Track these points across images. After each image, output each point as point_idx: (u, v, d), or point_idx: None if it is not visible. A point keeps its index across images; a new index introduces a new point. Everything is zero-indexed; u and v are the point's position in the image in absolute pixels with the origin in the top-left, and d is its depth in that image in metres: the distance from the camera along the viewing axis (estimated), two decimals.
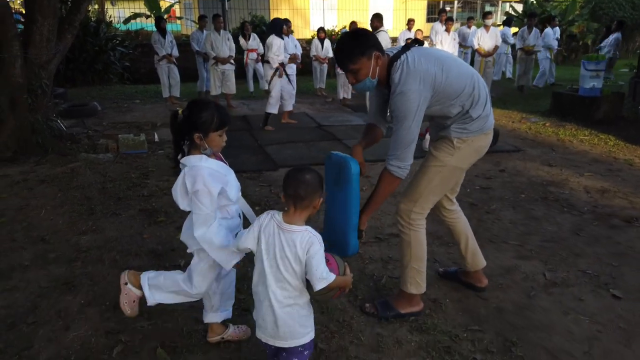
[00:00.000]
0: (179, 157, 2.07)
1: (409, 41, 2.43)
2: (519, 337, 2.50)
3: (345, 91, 9.53)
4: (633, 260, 3.32)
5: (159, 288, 2.26)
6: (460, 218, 2.83)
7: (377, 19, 7.34)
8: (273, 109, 7.34)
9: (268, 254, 1.81)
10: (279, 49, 7.14)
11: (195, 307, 2.71)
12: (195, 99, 2.12)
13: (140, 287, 2.26)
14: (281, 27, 7.34)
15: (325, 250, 1.82)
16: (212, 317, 2.38)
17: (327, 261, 1.82)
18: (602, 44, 11.47)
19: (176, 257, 3.29)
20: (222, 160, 2.17)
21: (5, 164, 5.27)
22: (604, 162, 5.61)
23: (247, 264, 3.11)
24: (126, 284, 2.27)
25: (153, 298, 2.26)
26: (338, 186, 2.31)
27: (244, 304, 2.74)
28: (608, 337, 2.51)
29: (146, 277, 2.26)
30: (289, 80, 7.52)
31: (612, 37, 11.49)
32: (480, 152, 2.53)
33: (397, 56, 2.27)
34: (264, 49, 7.40)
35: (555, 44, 11.53)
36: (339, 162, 2.30)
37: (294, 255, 1.77)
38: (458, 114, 2.39)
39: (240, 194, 2.20)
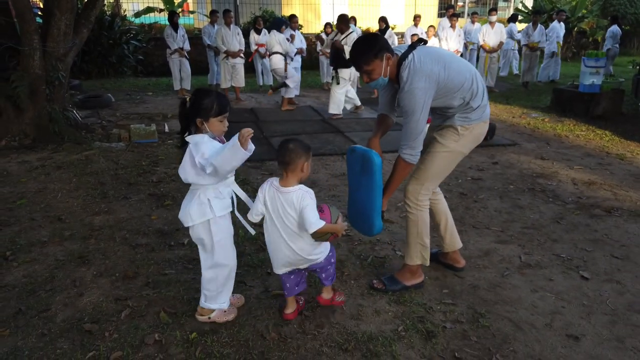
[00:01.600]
0: (185, 136, 2.34)
1: (415, 37, 2.71)
2: (487, 310, 2.74)
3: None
4: (607, 246, 3.54)
5: (212, 297, 2.54)
6: (441, 200, 3.10)
7: (342, 21, 7.42)
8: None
9: (275, 213, 2.36)
10: (284, 41, 7.49)
11: (197, 279, 3.00)
12: (200, 88, 2.39)
13: (210, 310, 2.56)
14: (280, 26, 7.68)
15: (353, 228, 2.52)
16: (206, 302, 2.61)
17: (322, 211, 2.36)
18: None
19: (180, 236, 3.58)
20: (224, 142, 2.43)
21: (25, 151, 5.61)
22: (595, 156, 5.79)
23: (242, 244, 3.40)
24: (209, 318, 2.57)
25: (221, 306, 2.57)
26: (363, 176, 2.64)
27: (239, 277, 3.01)
28: (570, 312, 2.74)
29: (202, 302, 2.56)
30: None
31: (608, 31, 11.54)
32: (479, 138, 2.85)
33: (405, 55, 2.56)
34: (273, 43, 7.72)
35: (560, 38, 11.50)
36: (362, 155, 2.64)
37: (293, 210, 2.31)
38: (460, 105, 2.67)
39: (233, 178, 2.49)
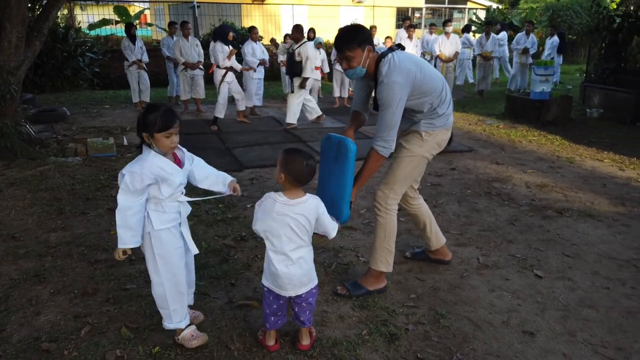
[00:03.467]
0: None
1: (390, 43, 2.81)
2: (448, 310, 2.82)
3: (343, 90, 10.08)
4: (559, 245, 3.70)
5: (167, 315, 2.44)
6: (422, 204, 3.24)
7: (297, 30, 7.55)
8: (221, 113, 7.79)
9: (283, 229, 2.24)
10: (221, 53, 7.47)
11: None
12: (151, 103, 2.39)
13: (180, 330, 2.47)
14: (226, 34, 7.66)
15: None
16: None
17: None
18: (530, 47, 11.72)
19: (140, 251, 3.51)
20: (178, 160, 2.35)
21: None
22: (547, 160, 6.05)
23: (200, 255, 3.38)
24: (177, 339, 2.48)
25: (178, 325, 2.45)
26: (337, 163, 2.66)
27: (203, 289, 2.99)
28: (526, 309, 2.85)
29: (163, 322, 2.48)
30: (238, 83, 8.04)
31: (548, 41, 12.07)
32: (442, 145, 2.99)
33: (384, 54, 2.70)
34: (213, 55, 7.67)
35: (523, 48, 11.72)
36: (338, 142, 2.66)
37: (306, 220, 2.26)
38: (427, 110, 2.82)
39: (180, 192, 2.39)
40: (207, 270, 3.22)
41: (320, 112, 8.24)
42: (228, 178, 2.57)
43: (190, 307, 2.64)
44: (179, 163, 2.36)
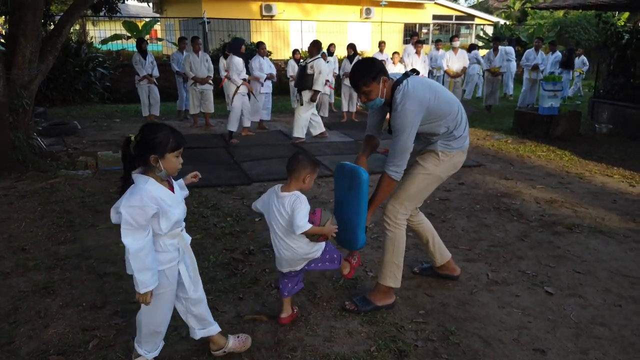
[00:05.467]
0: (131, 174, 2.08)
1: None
2: (457, 327, 2.79)
3: (351, 105, 10.14)
4: (569, 262, 3.67)
5: (139, 340, 2.35)
6: (424, 220, 3.25)
7: (314, 46, 7.69)
8: (234, 126, 7.85)
9: (271, 215, 2.56)
10: (237, 67, 7.56)
11: None
12: (149, 123, 2.22)
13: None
14: (239, 47, 7.76)
15: (337, 244, 2.87)
16: (203, 331, 2.43)
17: (313, 213, 2.54)
18: (540, 63, 11.68)
19: None
20: (171, 186, 2.21)
21: None
22: (556, 176, 6.01)
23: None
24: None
25: (145, 355, 2.35)
26: (351, 191, 2.75)
27: (211, 303, 2.98)
28: (536, 327, 2.82)
29: (137, 347, 2.36)
30: (250, 98, 8.14)
31: (551, 57, 12.09)
32: (457, 167, 3.04)
33: (399, 81, 2.75)
34: (229, 67, 7.76)
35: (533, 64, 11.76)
36: (351, 171, 2.77)
37: (285, 212, 2.49)
38: (444, 133, 2.87)
39: (181, 229, 2.26)
40: (215, 284, 3.22)
41: (324, 129, 8.26)
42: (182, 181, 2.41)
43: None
44: (172, 189, 2.20)
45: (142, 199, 2.00)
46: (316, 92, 7.69)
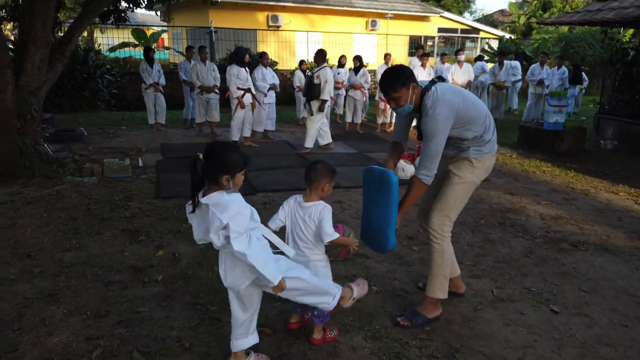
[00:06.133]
0: (199, 197, 2.15)
1: None
2: (462, 344, 2.78)
3: (356, 116, 10.19)
4: (575, 279, 3.65)
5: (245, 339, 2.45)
6: None
7: (319, 55, 7.78)
8: (236, 136, 7.95)
9: (294, 225, 2.58)
10: (237, 77, 7.61)
11: (171, 317, 2.96)
12: (216, 142, 2.24)
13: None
14: (243, 56, 7.81)
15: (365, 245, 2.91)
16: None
17: (336, 227, 2.56)
18: (545, 77, 11.71)
19: (154, 273, 3.53)
20: None
21: None
22: (561, 192, 6.00)
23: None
24: None
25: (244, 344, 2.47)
26: (380, 194, 2.78)
27: (215, 314, 2.98)
28: (542, 346, 2.80)
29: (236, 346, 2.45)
30: (258, 106, 8.24)
31: (557, 72, 12.11)
32: (489, 170, 3.08)
33: (428, 88, 2.79)
34: (227, 77, 7.82)
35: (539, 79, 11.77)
36: (380, 174, 2.79)
37: (312, 222, 2.52)
38: (474, 138, 2.89)
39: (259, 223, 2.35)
40: (218, 295, 3.21)
41: (330, 140, 8.29)
42: None
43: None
44: None
45: (236, 206, 2.11)
46: (323, 101, 7.73)
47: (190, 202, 2.21)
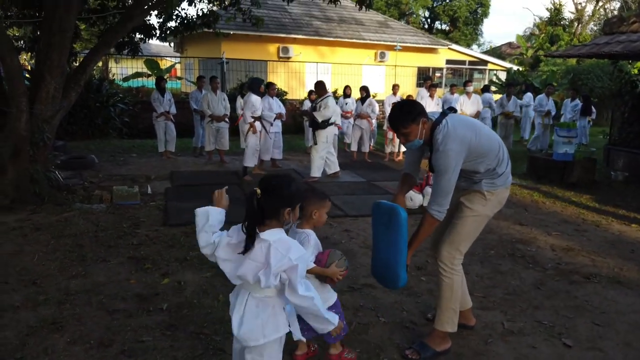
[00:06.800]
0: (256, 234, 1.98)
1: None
2: None
3: (363, 145, 10.25)
4: (587, 312, 3.56)
5: None
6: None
7: (319, 87, 7.94)
8: (250, 162, 7.98)
9: None
10: (253, 105, 7.70)
11: (175, 347, 2.92)
12: (271, 175, 2.11)
13: None
14: (259, 86, 7.95)
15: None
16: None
17: (322, 253, 2.53)
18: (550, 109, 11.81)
19: (159, 301, 3.50)
20: None
21: (3, 212, 5.51)
22: (572, 223, 5.92)
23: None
24: None
25: None
26: (389, 230, 2.74)
27: (219, 345, 2.93)
28: None
29: None
30: (265, 134, 8.34)
31: (570, 104, 12.15)
32: (502, 202, 3.03)
33: (439, 121, 2.75)
34: (245, 105, 7.93)
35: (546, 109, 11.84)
36: (389, 210, 2.74)
37: None
38: (486, 171, 2.84)
39: None
40: (223, 325, 3.17)
41: (338, 169, 8.31)
42: None
43: None
44: None
45: (299, 247, 2.02)
46: (319, 123, 7.83)
47: (229, 237, 2.04)
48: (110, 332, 3.07)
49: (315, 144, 7.87)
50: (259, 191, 1.97)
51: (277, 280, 1.93)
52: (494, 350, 3.00)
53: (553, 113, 11.41)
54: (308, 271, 2.39)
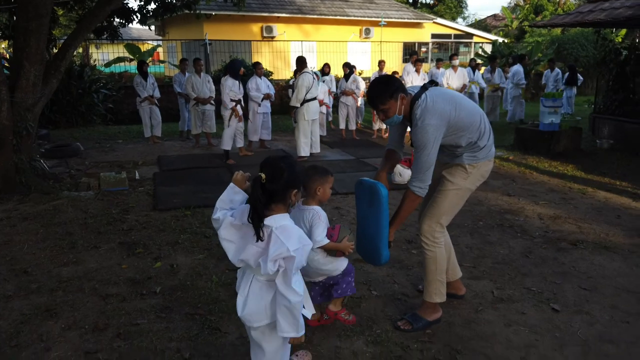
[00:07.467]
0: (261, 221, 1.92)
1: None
2: (464, 346, 2.76)
3: (351, 123, 10.23)
4: (575, 278, 3.64)
5: None
6: (445, 235, 3.15)
7: (297, 62, 7.94)
8: (228, 145, 7.93)
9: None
10: (230, 89, 7.63)
11: (170, 328, 2.94)
12: (271, 157, 2.01)
13: None
14: (237, 69, 7.84)
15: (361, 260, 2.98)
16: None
17: (332, 228, 2.62)
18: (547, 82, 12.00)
19: (152, 285, 3.51)
20: None
21: None
22: (559, 192, 6.00)
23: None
24: None
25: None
26: (371, 207, 2.74)
27: (214, 324, 2.96)
28: (544, 345, 2.78)
29: None
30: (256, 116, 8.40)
31: (551, 74, 12.22)
32: (485, 176, 3.02)
33: (418, 95, 2.71)
34: (222, 89, 7.81)
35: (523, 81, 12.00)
36: (370, 187, 2.75)
37: (304, 225, 2.57)
38: (468, 144, 2.83)
39: None
40: (217, 305, 3.20)
41: (307, 154, 8.09)
42: None
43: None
44: None
45: (301, 239, 1.94)
46: (291, 107, 7.90)
47: (236, 222, 1.98)
48: (104, 316, 3.08)
49: (295, 122, 7.88)
50: (263, 176, 1.90)
51: (276, 267, 1.89)
52: (484, 318, 3.07)
53: (524, 84, 11.63)
54: (322, 247, 2.53)
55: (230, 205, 2.04)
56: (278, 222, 1.92)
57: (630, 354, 2.69)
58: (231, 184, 2.07)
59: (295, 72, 10.61)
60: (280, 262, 1.89)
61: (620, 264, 3.89)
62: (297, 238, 1.92)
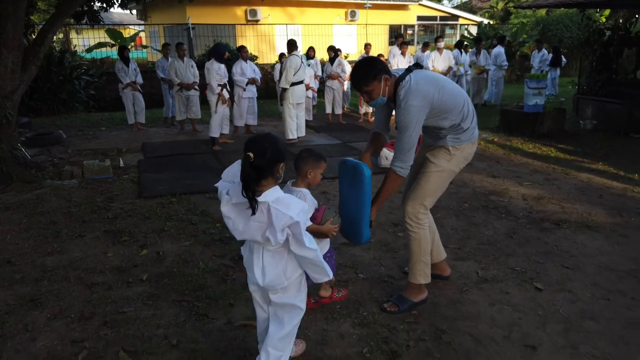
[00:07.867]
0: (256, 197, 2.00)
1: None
2: (449, 326, 2.80)
3: (337, 107, 10.16)
4: (557, 257, 3.70)
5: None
6: (429, 217, 3.17)
7: (288, 45, 7.98)
8: (216, 132, 7.83)
9: None
10: (217, 73, 7.54)
11: (157, 315, 2.94)
12: (253, 136, 2.10)
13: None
14: (222, 52, 7.75)
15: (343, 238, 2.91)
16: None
17: (318, 210, 2.58)
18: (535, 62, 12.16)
19: (139, 273, 3.50)
20: None
21: None
22: (543, 173, 6.07)
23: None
24: None
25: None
26: (353, 187, 2.76)
27: (201, 310, 2.96)
28: (527, 323, 2.84)
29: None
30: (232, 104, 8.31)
31: (537, 55, 12.31)
32: (469, 158, 3.03)
33: (402, 77, 2.73)
34: (207, 74, 7.71)
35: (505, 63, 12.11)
36: (354, 167, 2.76)
37: None
38: (451, 126, 2.83)
39: None
40: (204, 291, 3.20)
41: (294, 137, 8.11)
42: None
43: None
44: None
45: (298, 202, 2.07)
46: (283, 90, 7.86)
47: (232, 202, 2.05)
48: (90, 305, 3.06)
49: (281, 104, 7.88)
50: (252, 155, 1.99)
51: (285, 235, 2.04)
52: (469, 298, 3.11)
53: (506, 66, 11.79)
54: (307, 229, 2.45)
55: (232, 178, 2.15)
56: (271, 196, 2.03)
57: (611, 330, 2.76)
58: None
59: (281, 56, 10.56)
60: (287, 230, 2.03)
61: (602, 242, 3.96)
62: (295, 204, 2.05)
